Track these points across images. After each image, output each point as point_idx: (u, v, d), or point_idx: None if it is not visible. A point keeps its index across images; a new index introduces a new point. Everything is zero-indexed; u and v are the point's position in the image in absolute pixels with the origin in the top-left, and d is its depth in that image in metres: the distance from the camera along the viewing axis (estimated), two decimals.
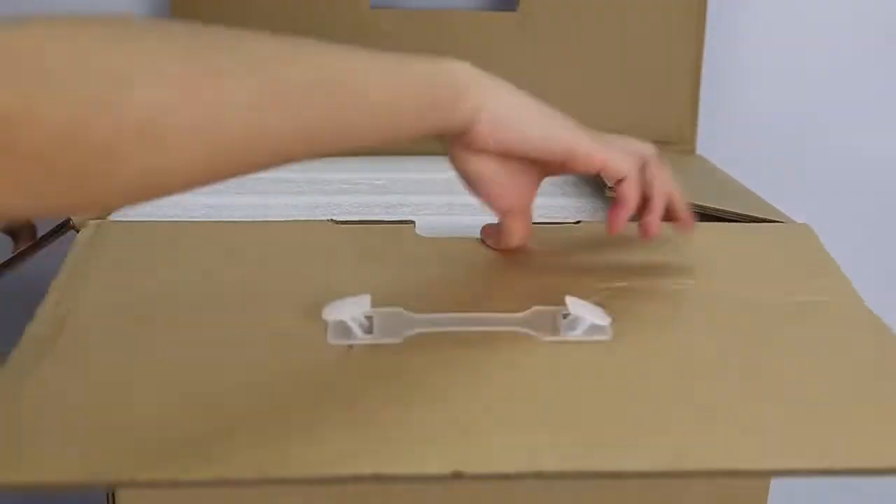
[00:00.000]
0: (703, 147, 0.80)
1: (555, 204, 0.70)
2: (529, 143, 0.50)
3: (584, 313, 0.47)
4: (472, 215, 0.69)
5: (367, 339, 0.45)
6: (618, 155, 0.50)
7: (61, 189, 0.33)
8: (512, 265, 0.53)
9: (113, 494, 0.48)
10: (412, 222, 0.57)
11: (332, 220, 0.57)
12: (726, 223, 0.61)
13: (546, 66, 0.78)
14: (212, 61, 0.37)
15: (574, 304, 0.47)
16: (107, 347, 0.44)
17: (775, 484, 0.50)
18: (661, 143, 0.79)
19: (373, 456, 0.37)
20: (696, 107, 0.79)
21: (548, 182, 0.54)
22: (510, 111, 0.49)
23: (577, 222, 0.58)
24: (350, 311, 0.46)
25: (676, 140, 0.80)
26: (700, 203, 0.59)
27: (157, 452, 0.37)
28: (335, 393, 0.41)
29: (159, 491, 0.45)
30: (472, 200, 0.53)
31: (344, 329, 0.46)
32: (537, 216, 0.55)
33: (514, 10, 0.76)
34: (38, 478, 0.35)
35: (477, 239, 0.56)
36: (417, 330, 0.46)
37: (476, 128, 0.48)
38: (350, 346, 0.45)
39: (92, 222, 0.55)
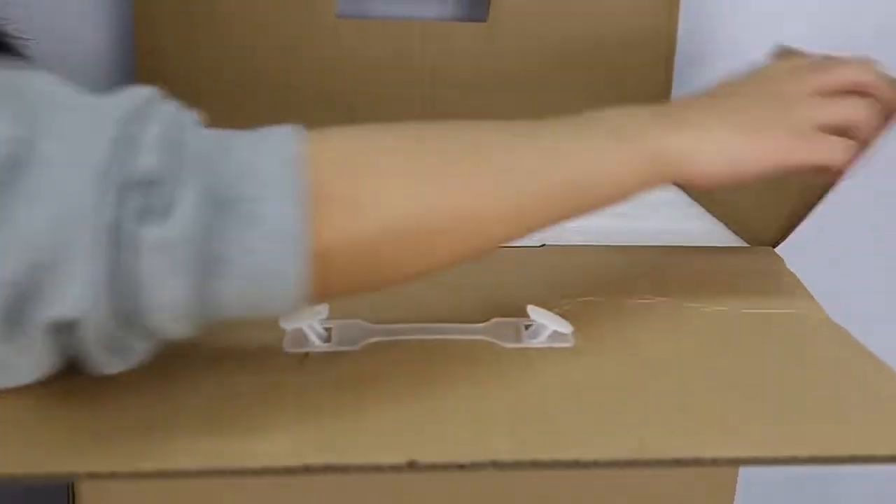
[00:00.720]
0: None
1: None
2: (725, 181, 0.46)
3: (547, 321, 0.46)
4: None
5: (323, 347, 0.44)
6: (826, 146, 0.46)
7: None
8: (474, 284, 0.52)
9: (72, 488, 0.46)
10: None
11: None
12: (690, 247, 0.61)
13: (515, 76, 0.77)
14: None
15: (536, 313, 0.46)
16: None
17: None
18: None
19: (325, 448, 0.36)
20: None
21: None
22: (696, 162, 0.44)
23: (542, 245, 0.58)
24: (307, 319, 0.45)
25: None
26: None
27: (105, 447, 0.36)
28: (288, 393, 0.40)
29: (117, 483, 0.44)
30: None
31: (300, 338, 0.45)
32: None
33: (483, 20, 0.76)
34: None
35: None
36: (376, 338, 0.45)
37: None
38: (306, 354, 0.44)
39: None
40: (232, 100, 0.75)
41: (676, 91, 0.80)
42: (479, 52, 0.76)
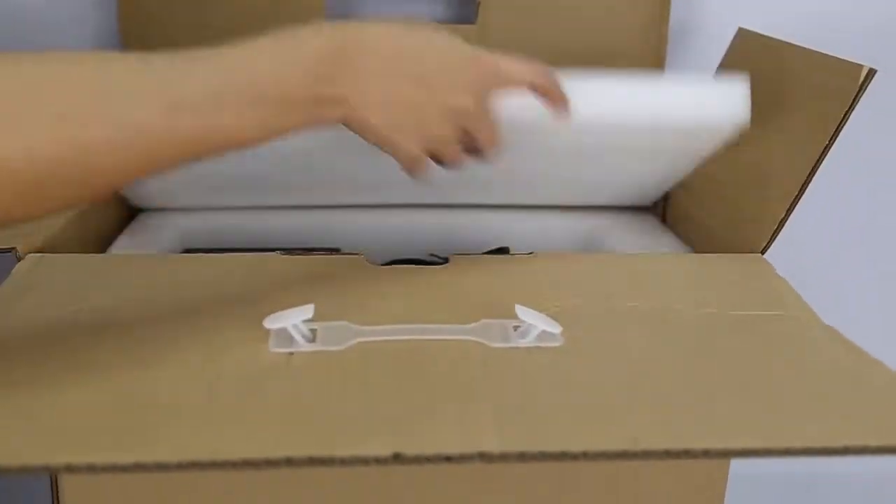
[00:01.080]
0: None
1: (633, 245, 0.70)
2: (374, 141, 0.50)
3: (535, 321, 0.45)
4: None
5: (308, 348, 0.44)
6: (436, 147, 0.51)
7: None
8: (463, 288, 0.52)
9: (56, 483, 0.45)
10: (361, 254, 0.56)
11: (279, 251, 0.56)
12: (678, 254, 0.61)
13: None
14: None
15: (524, 313, 0.46)
16: (40, 353, 0.43)
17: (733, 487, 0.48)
18: None
19: (309, 442, 0.35)
20: None
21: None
22: (362, 116, 0.48)
23: (531, 253, 0.57)
24: (292, 319, 0.44)
25: None
26: None
27: (84, 440, 0.36)
28: (272, 390, 0.40)
29: (101, 478, 0.43)
30: None
31: (286, 338, 0.44)
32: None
33: (472, 23, 0.76)
34: None
35: (428, 267, 0.55)
36: (362, 339, 0.45)
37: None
38: (291, 354, 0.43)
39: (32, 255, 0.54)
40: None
41: None
42: None
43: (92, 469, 0.34)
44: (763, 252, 0.60)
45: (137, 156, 0.41)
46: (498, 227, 0.76)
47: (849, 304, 0.87)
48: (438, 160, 0.53)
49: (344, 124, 0.49)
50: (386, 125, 0.49)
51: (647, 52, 0.77)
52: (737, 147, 0.67)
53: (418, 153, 0.51)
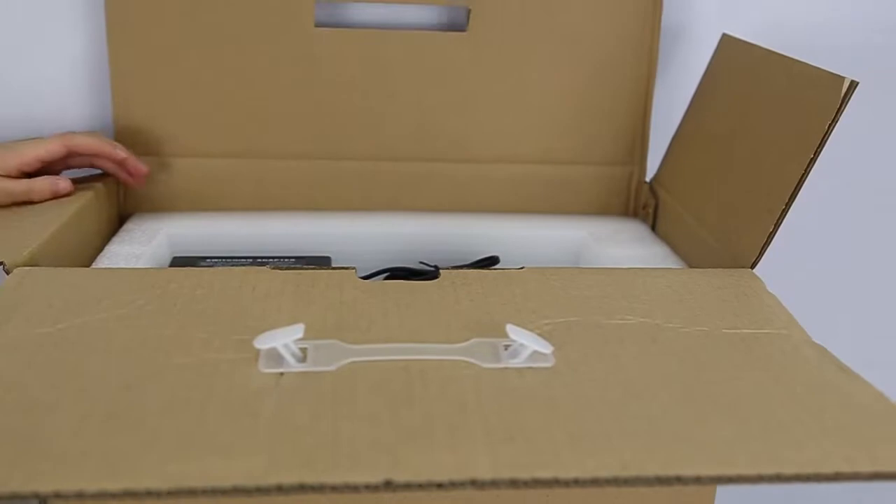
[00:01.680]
0: (653, 167, 0.80)
1: (622, 254, 0.70)
2: None
3: (527, 341, 0.45)
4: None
5: (299, 368, 0.43)
6: None
7: None
8: (454, 305, 0.52)
9: None
10: (353, 268, 0.56)
11: (271, 265, 0.56)
12: (669, 269, 0.61)
13: (495, 87, 0.77)
14: None
15: (515, 333, 0.46)
16: (24, 373, 0.42)
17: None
18: (610, 164, 0.79)
19: (299, 468, 0.35)
20: (646, 128, 0.79)
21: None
22: None
23: (521, 268, 0.57)
24: (282, 339, 0.44)
25: (626, 160, 0.80)
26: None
27: (73, 466, 0.35)
28: (262, 413, 0.39)
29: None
30: None
31: (276, 358, 0.44)
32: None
33: (463, 31, 0.76)
34: None
35: (419, 282, 0.55)
36: (353, 358, 0.45)
37: None
38: (281, 374, 0.43)
39: (20, 269, 0.53)
40: (209, 109, 0.74)
41: (658, 90, 0.80)
42: (460, 61, 0.76)
43: (81, 496, 0.34)
44: (753, 266, 0.60)
45: None
46: (488, 234, 0.76)
47: (839, 318, 0.87)
48: None
49: None
50: None
51: (639, 55, 0.77)
52: (724, 154, 0.67)
53: None
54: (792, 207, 0.58)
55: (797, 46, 0.64)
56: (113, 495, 0.34)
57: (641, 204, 0.80)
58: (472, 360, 0.45)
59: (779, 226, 0.58)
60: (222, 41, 0.73)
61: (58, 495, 0.34)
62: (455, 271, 0.56)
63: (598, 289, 0.55)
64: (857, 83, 0.54)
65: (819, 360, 0.47)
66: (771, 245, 0.59)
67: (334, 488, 0.34)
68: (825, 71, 0.57)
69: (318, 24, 0.74)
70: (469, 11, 0.75)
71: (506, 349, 0.46)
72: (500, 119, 0.78)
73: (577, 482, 0.35)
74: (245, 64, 0.74)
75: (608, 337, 0.49)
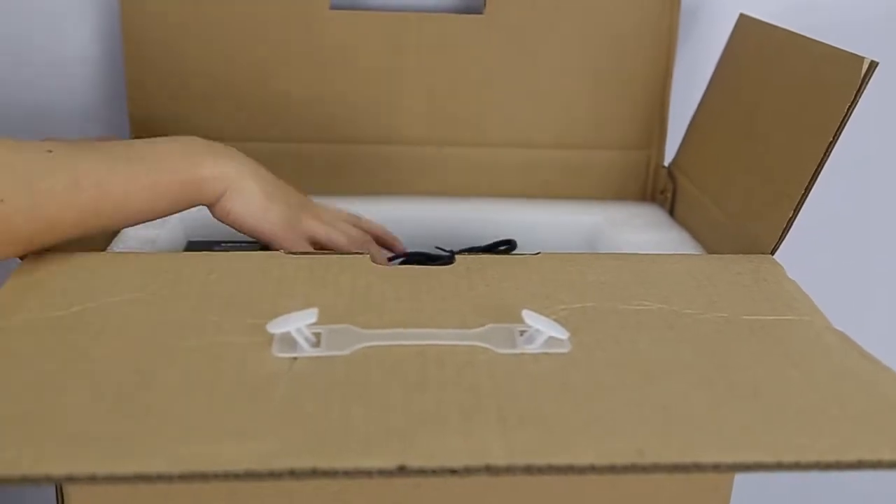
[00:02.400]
0: (672, 150, 0.79)
1: (639, 239, 0.70)
2: (245, 230, 0.60)
3: (542, 327, 0.45)
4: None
5: (312, 353, 0.43)
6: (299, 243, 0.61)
7: None
8: (469, 291, 0.51)
9: (61, 490, 0.45)
10: (367, 253, 0.55)
11: (284, 251, 0.55)
12: (687, 255, 0.60)
13: (512, 68, 0.76)
14: None
15: (531, 318, 0.45)
16: (37, 356, 0.42)
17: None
18: (627, 148, 0.79)
19: (312, 452, 0.35)
20: (664, 112, 0.78)
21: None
22: (235, 205, 0.58)
23: (537, 253, 0.57)
24: (296, 323, 0.44)
25: (644, 144, 0.79)
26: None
27: (86, 449, 0.35)
28: (276, 398, 0.39)
29: (106, 487, 0.42)
30: None
31: (289, 342, 0.44)
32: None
33: (480, 13, 0.75)
34: None
35: (434, 267, 0.54)
36: (366, 343, 0.44)
37: (216, 209, 0.58)
38: (294, 359, 0.43)
39: (33, 254, 0.53)
40: (224, 92, 0.74)
41: (677, 72, 0.78)
42: (477, 43, 0.75)
43: (93, 479, 0.34)
44: (773, 251, 0.59)
45: (44, 222, 0.50)
46: (505, 219, 0.75)
47: (860, 304, 0.87)
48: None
49: (223, 211, 0.58)
50: (263, 191, 0.58)
51: (658, 37, 0.76)
52: (743, 138, 0.66)
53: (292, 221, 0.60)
54: (813, 191, 0.57)
55: (817, 27, 0.63)
56: (125, 478, 0.33)
57: (659, 188, 0.79)
58: (487, 346, 0.44)
59: (798, 210, 0.57)
60: (238, 23, 0.73)
61: (70, 478, 0.34)
62: (470, 256, 0.56)
63: (615, 274, 0.54)
64: (877, 63, 0.53)
65: (841, 347, 0.46)
66: (792, 230, 0.59)
67: (347, 473, 0.34)
68: (844, 51, 0.56)
69: (333, 7, 0.73)
70: None
71: (521, 335, 0.46)
72: (516, 102, 0.77)
73: (592, 468, 0.35)
74: (260, 46, 0.73)
75: (625, 322, 0.48)
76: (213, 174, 0.57)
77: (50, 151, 0.51)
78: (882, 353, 0.46)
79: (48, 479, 0.34)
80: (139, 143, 0.56)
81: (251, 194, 0.58)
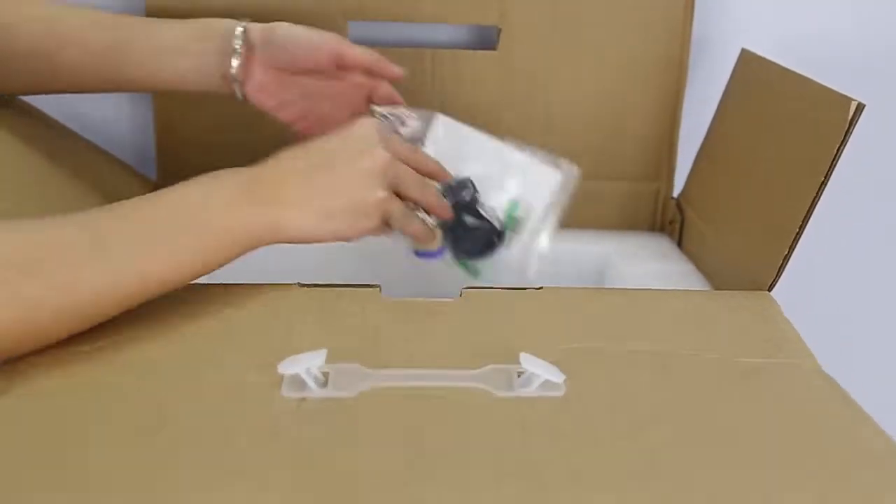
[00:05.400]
0: (680, 184, 0.81)
1: (646, 270, 0.72)
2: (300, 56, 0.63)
3: (539, 370, 0.47)
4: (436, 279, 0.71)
5: (320, 393, 0.46)
6: (373, 223, 0.57)
7: None
8: (472, 328, 0.54)
9: None
10: (378, 286, 0.58)
11: (298, 283, 0.58)
12: (687, 291, 0.62)
13: (524, 102, 0.79)
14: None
15: (528, 362, 0.47)
16: (65, 391, 0.45)
17: None
18: (637, 179, 0.81)
19: (316, 497, 0.38)
20: (674, 143, 0.80)
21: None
22: (293, 238, 0.55)
23: (539, 288, 0.59)
24: (305, 364, 0.46)
25: (653, 176, 0.81)
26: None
27: (110, 482, 0.38)
28: (284, 442, 0.42)
29: None
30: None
31: (298, 382, 0.46)
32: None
33: (493, 48, 0.78)
34: None
35: (440, 302, 0.56)
36: (372, 384, 0.47)
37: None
38: (303, 399, 0.45)
39: None
40: (247, 121, 0.77)
41: (686, 104, 0.80)
42: (490, 78, 0.78)
43: None
44: (771, 287, 0.61)
45: (81, 314, 0.48)
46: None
47: (854, 340, 0.88)
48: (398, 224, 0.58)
49: (279, 239, 0.54)
50: (318, 214, 0.55)
51: (668, 71, 0.78)
52: (743, 173, 0.68)
53: (371, 226, 0.56)
54: (814, 229, 0.59)
55: (823, 58, 0.64)
56: None
57: (668, 219, 0.81)
58: (486, 388, 0.47)
59: (794, 248, 0.59)
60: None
61: None
62: (476, 290, 0.58)
63: (615, 311, 0.56)
64: (864, 105, 0.55)
65: (828, 395, 0.48)
66: (790, 265, 0.60)
67: None
68: (835, 91, 0.57)
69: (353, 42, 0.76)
70: (499, 31, 0.76)
71: (519, 376, 0.48)
72: (527, 134, 0.79)
73: None
74: None
75: (619, 365, 0.50)
76: (254, 222, 0.53)
77: (84, 236, 0.49)
78: (871, 382, 0.47)
79: None
80: (169, 208, 0.52)
81: (301, 222, 0.54)
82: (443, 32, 0.80)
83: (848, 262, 0.93)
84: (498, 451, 0.41)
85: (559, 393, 0.47)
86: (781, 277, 0.61)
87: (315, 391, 0.46)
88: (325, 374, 0.47)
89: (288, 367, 0.46)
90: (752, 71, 0.72)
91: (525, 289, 0.59)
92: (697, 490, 0.39)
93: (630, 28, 0.77)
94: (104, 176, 0.73)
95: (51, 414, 0.43)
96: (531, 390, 0.47)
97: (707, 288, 0.69)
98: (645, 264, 0.74)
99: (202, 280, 0.53)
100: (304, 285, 0.58)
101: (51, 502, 0.37)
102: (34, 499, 0.37)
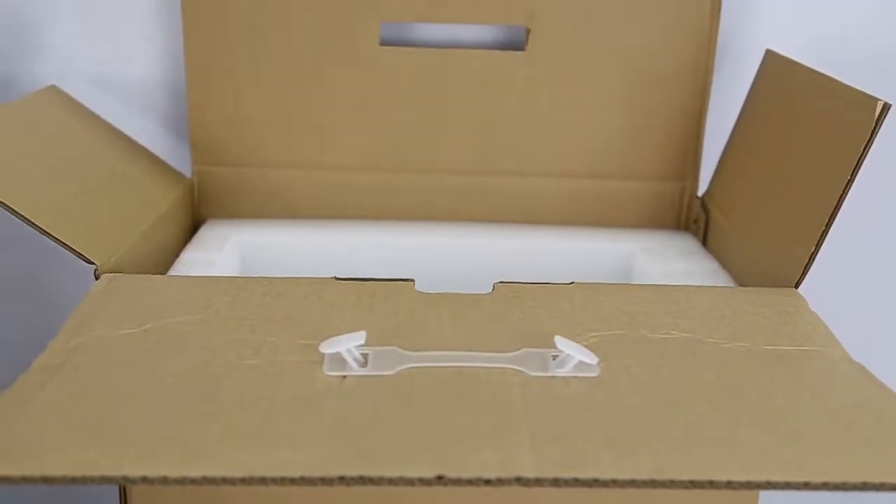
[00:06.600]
0: (706, 181, 0.82)
1: (671, 269, 0.73)
2: None
3: (573, 352, 0.48)
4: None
5: (360, 372, 0.47)
6: None
7: None
8: (506, 318, 0.55)
9: (125, 493, 0.49)
10: (412, 280, 0.59)
11: (335, 277, 0.59)
12: (715, 287, 0.63)
13: (551, 104, 0.80)
14: None
15: (563, 344, 0.49)
16: (112, 369, 0.47)
17: None
18: (662, 179, 0.82)
19: (359, 461, 0.39)
20: (699, 144, 0.81)
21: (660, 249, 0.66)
22: None
23: (571, 283, 0.60)
24: (346, 344, 0.48)
25: (678, 175, 0.82)
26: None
27: (155, 454, 0.39)
28: (326, 411, 0.43)
29: (167, 489, 0.46)
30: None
31: (339, 361, 0.48)
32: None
33: (522, 50, 0.79)
34: (42, 472, 0.37)
35: (474, 295, 0.58)
36: (410, 365, 0.48)
37: None
38: (344, 377, 0.46)
39: (107, 274, 0.58)
40: (279, 123, 0.79)
41: (711, 107, 0.81)
42: (518, 79, 0.79)
43: (165, 481, 0.38)
44: (797, 285, 0.62)
45: None
46: (541, 246, 0.79)
47: (879, 341, 0.88)
48: None
49: None
50: None
51: (694, 75, 0.79)
52: (768, 172, 0.69)
53: None
54: (838, 228, 0.60)
55: (848, 58, 0.65)
56: (193, 481, 0.37)
57: (693, 218, 0.82)
58: (521, 369, 0.48)
59: (820, 246, 0.60)
60: (292, 60, 0.77)
61: (145, 480, 0.38)
62: (508, 285, 0.59)
63: (645, 305, 0.57)
64: (890, 105, 0.56)
65: (856, 378, 0.49)
66: (815, 264, 0.61)
67: (391, 481, 0.38)
68: (861, 91, 0.58)
69: (382, 43, 0.78)
70: (528, 31, 0.78)
71: (554, 359, 0.49)
72: (554, 134, 0.80)
73: (614, 482, 0.38)
74: (314, 81, 0.78)
75: (651, 350, 0.51)
76: None
77: None
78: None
79: (126, 480, 0.38)
80: None
81: None
82: (473, 32, 0.82)
83: (873, 261, 0.93)
84: (534, 421, 0.43)
85: (593, 374, 0.48)
86: (807, 276, 0.62)
87: (356, 370, 0.47)
88: (365, 356, 0.49)
89: (329, 347, 0.48)
90: (776, 71, 0.73)
91: (556, 284, 0.60)
92: (733, 454, 0.40)
93: (656, 28, 0.78)
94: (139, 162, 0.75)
95: (101, 390, 0.45)
96: (566, 370, 0.48)
97: (733, 285, 0.70)
98: (671, 262, 0.75)
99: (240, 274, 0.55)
100: (339, 279, 0.59)
101: (115, 466, 0.38)
102: (97, 462, 0.38)
